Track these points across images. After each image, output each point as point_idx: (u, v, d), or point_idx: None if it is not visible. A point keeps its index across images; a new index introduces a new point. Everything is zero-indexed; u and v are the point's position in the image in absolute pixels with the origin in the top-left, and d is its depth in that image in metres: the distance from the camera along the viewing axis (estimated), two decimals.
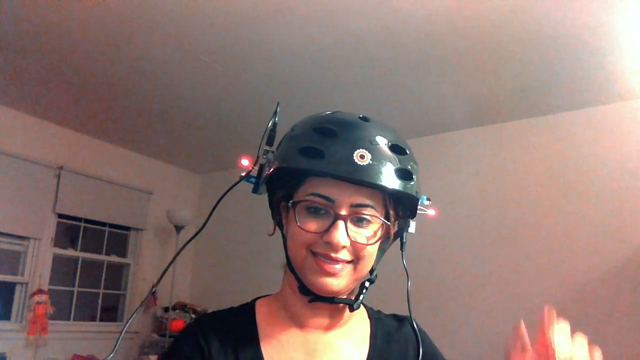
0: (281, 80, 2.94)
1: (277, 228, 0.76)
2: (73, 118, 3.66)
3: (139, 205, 4.29)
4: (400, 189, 0.66)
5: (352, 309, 0.73)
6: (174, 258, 0.83)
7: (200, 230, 0.75)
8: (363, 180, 0.64)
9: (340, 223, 0.66)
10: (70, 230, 3.93)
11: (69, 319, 3.80)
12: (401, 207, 0.73)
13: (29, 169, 3.51)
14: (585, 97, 2.96)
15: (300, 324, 0.74)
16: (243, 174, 0.73)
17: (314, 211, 0.68)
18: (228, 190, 0.75)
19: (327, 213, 0.67)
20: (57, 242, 3.73)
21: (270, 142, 0.73)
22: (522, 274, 3.03)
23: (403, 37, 2.43)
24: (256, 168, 0.72)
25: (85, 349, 3.62)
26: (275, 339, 0.73)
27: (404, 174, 0.67)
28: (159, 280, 0.86)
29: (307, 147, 0.66)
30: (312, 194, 0.67)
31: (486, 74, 2.75)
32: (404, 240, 0.77)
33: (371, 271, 0.74)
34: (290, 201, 0.69)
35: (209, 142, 4.07)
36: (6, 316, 3.39)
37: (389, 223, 0.70)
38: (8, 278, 3.43)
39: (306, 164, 0.66)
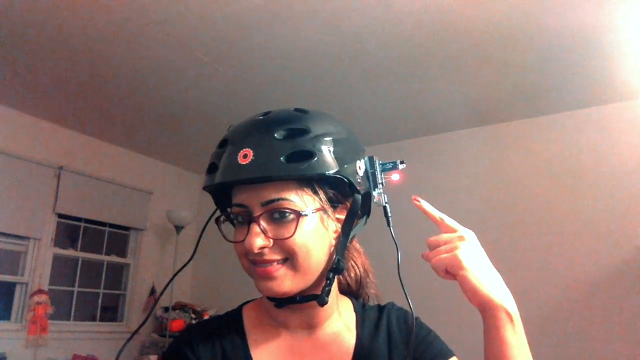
0: (281, 80, 2.94)
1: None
2: (73, 118, 3.66)
3: (139, 205, 4.29)
4: (293, 173, 0.63)
5: (321, 304, 0.68)
6: (176, 274, 0.87)
7: (194, 255, 0.82)
8: (247, 179, 0.64)
9: (252, 226, 0.66)
10: (70, 230, 3.93)
11: (69, 319, 3.80)
12: (337, 188, 0.70)
13: (29, 169, 3.51)
14: (585, 97, 2.96)
15: (285, 326, 0.75)
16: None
17: (239, 222, 0.69)
18: (207, 223, 0.77)
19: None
20: (57, 242, 3.73)
21: None
22: (521, 273, 3.03)
23: (403, 38, 2.44)
24: None
25: (85, 349, 3.62)
26: (264, 343, 0.74)
27: (299, 156, 0.64)
28: (163, 291, 0.87)
29: (210, 165, 0.69)
30: (232, 206, 0.69)
31: (486, 74, 2.75)
32: (389, 214, 0.74)
33: (336, 261, 0.69)
34: (216, 219, 0.73)
35: (209, 142, 4.05)
36: (6, 316, 3.39)
37: (299, 210, 0.65)
38: (8, 278, 3.43)
39: (206, 182, 0.69)
